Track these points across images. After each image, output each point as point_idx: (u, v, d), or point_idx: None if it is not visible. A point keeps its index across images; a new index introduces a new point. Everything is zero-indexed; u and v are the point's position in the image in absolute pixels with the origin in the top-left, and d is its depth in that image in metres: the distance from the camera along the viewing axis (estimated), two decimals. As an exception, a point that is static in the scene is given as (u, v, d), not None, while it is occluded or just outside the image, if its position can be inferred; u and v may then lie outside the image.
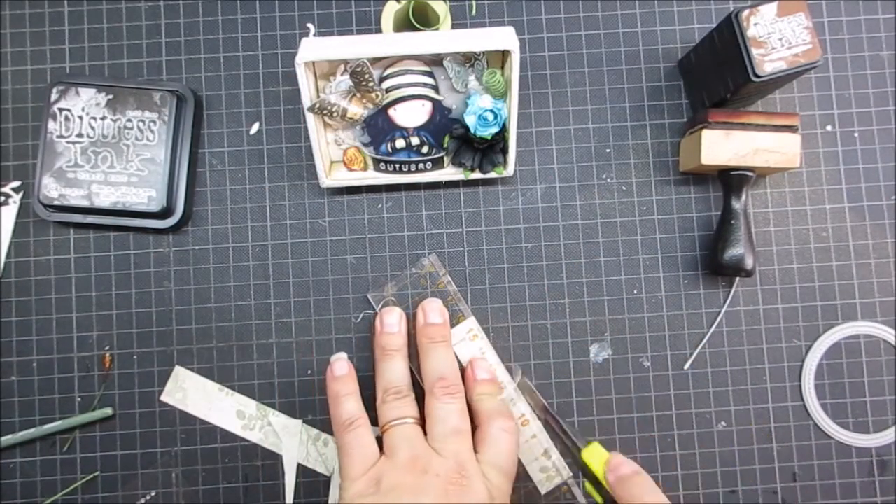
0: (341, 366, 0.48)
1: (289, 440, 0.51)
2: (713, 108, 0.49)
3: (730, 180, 0.49)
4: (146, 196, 0.49)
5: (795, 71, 0.44)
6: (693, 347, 0.52)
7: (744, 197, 0.49)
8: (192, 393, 0.51)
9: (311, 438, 0.51)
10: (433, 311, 0.49)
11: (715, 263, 0.49)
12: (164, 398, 0.51)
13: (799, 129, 0.48)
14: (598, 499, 0.44)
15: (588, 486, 0.44)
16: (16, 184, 0.52)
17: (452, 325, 0.50)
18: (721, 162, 0.47)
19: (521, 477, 0.50)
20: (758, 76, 0.43)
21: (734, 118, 0.47)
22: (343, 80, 0.47)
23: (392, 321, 0.48)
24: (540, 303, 0.52)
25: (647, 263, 0.52)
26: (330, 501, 0.50)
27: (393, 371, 0.47)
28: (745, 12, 0.43)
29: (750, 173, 0.48)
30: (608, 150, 0.52)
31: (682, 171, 0.52)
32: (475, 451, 0.44)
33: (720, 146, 0.47)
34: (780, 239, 0.52)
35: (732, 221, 0.49)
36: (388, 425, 0.44)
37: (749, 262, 0.48)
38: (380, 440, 0.45)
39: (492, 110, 0.46)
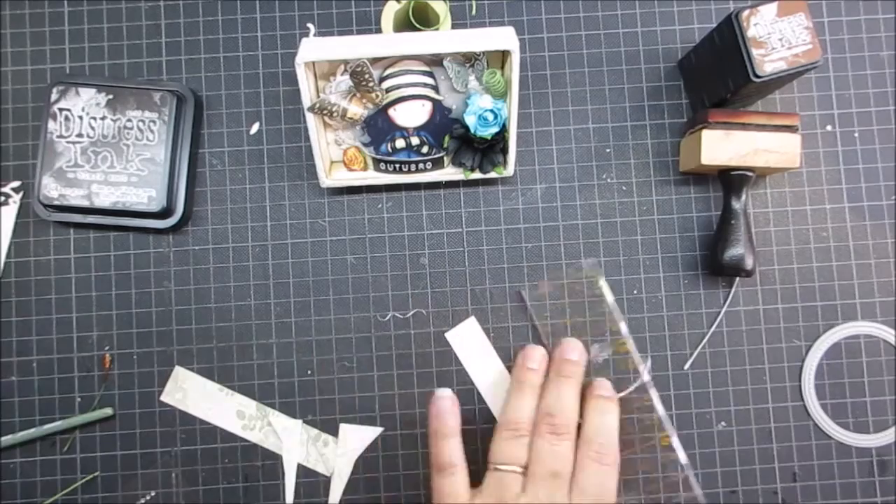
0: (445, 404, 0.46)
1: (289, 440, 0.51)
2: (713, 108, 0.49)
3: (730, 180, 0.49)
4: (146, 196, 0.49)
5: (795, 71, 0.44)
6: (693, 347, 0.52)
7: (744, 197, 0.49)
8: (192, 393, 0.51)
9: (311, 438, 0.51)
10: (573, 349, 0.47)
11: (715, 263, 0.49)
12: (164, 398, 0.51)
13: (799, 129, 0.48)
14: None
15: None
16: (16, 184, 0.52)
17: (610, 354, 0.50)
18: (721, 162, 0.47)
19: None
20: (758, 76, 0.43)
21: (734, 118, 0.47)
22: (343, 80, 0.47)
23: (535, 357, 0.47)
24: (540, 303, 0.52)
25: (647, 263, 0.52)
26: (330, 501, 0.50)
27: (518, 408, 0.45)
28: (745, 12, 0.43)
29: (750, 173, 0.48)
30: (608, 150, 0.52)
31: (682, 171, 0.52)
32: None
33: (720, 146, 0.47)
34: (780, 239, 0.52)
35: (732, 221, 0.49)
36: (492, 465, 0.44)
37: (749, 262, 0.48)
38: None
39: (492, 110, 0.46)
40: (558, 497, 0.42)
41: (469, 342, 0.51)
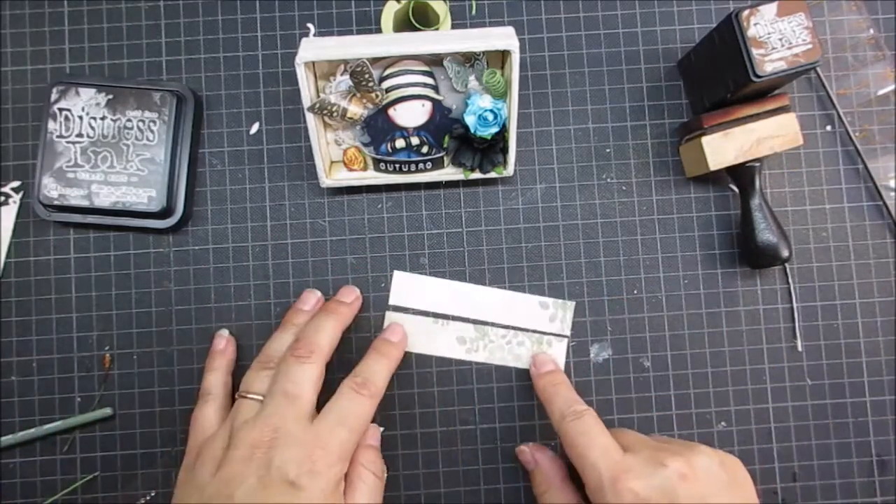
0: (218, 341, 0.50)
1: (289, 440, 0.51)
2: (703, 113, 0.48)
3: (739, 175, 0.49)
4: (146, 196, 0.49)
5: (795, 71, 0.44)
6: (693, 347, 0.52)
7: (758, 184, 0.49)
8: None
9: (311, 438, 0.51)
10: (349, 293, 0.49)
11: (748, 255, 0.49)
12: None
13: (791, 108, 0.48)
14: None
15: None
16: (16, 184, 0.52)
17: None
18: (728, 162, 0.47)
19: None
20: (758, 76, 0.43)
21: (727, 116, 0.47)
22: (343, 80, 0.47)
23: (309, 300, 0.49)
24: (540, 303, 0.52)
25: (647, 263, 0.52)
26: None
27: (275, 342, 0.46)
28: (745, 12, 0.43)
29: (757, 163, 0.48)
30: (608, 150, 0.52)
31: (690, 177, 0.52)
32: None
33: (723, 148, 0.47)
34: (780, 239, 0.52)
35: (755, 212, 0.48)
36: (238, 394, 0.44)
37: (784, 248, 0.48)
38: None
39: (492, 110, 0.46)
40: (288, 416, 0.41)
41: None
